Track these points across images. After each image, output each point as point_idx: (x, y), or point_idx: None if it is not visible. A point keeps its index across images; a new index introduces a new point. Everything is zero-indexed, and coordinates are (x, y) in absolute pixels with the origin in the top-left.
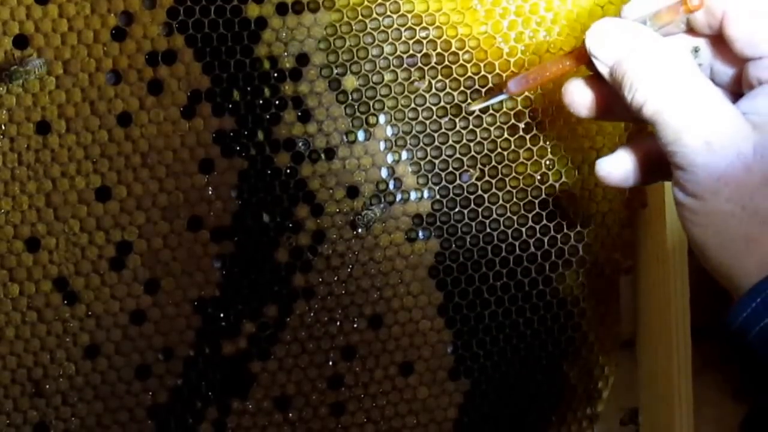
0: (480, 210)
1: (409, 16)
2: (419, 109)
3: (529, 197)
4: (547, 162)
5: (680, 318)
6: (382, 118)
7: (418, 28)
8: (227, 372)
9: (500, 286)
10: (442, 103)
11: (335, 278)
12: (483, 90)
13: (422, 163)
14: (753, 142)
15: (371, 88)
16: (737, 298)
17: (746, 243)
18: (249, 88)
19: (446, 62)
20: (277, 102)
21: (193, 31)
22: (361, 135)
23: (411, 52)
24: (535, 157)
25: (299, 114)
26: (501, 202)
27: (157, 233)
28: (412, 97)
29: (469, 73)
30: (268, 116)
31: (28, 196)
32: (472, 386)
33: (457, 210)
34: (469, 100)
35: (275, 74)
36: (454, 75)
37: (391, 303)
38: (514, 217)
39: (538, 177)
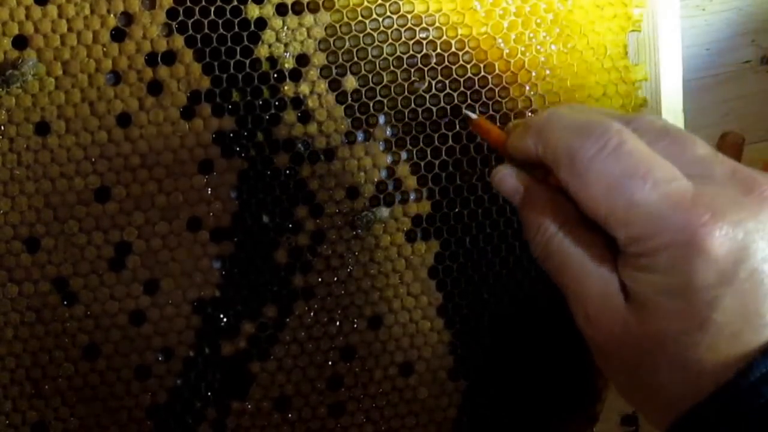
0: (480, 211)
1: (409, 16)
2: (419, 109)
3: None
4: None
5: None
6: (381, 119)
7: (417, 29)
8: (227, 372)
9: (500, 287)
10: (442, 104)
11: (335, 279)
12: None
13: (422, 163)
14: (623, 317)
15: (371, 88)
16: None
17: (642, 404)
18: (249, 89)
19: (446, 63)
20: (276, 103)
21: (193, 31)
22: (360, 135)
23: (411, 52)
24: None
25: (299, 115)
26: (501, 202)
27: (156, 234)
28: (412, 97)
29: (469, 74)
30: (267, 117)
31: (27, 196)
32: (472, 387)
33: (457, 210)
34: (469, 102)
35: (275, 75)
36: (454, 76)
37: (391, 303)
38: (514, 218)
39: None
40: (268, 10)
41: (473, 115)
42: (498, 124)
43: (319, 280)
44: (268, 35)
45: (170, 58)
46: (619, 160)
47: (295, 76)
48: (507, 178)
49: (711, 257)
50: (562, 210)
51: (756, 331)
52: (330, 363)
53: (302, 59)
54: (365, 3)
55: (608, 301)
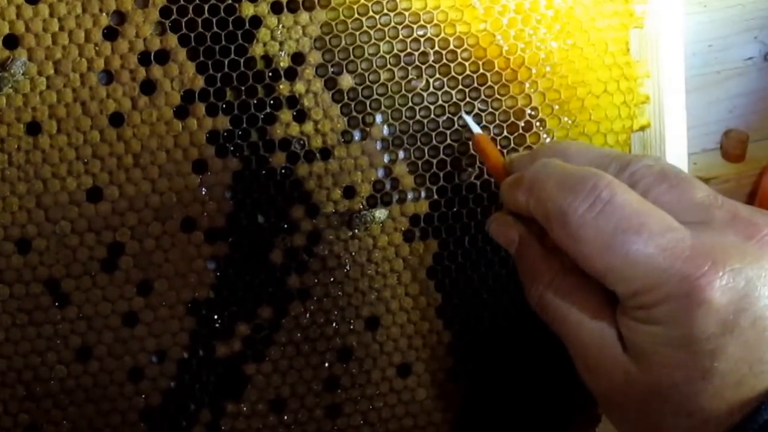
0: (479, 210)
1: (407, 14)
2: (416, 108)
3: None
4: None
5: None
6: (378, 118)
7: (415, 26)
8: (221, 374)
9: (500, 287)
10: (439, 102)
11: (331, 279)
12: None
13: (420, 162)
14: (623, 368)
15: (368, 87)
16: None
17: None
18: (243, 88)
19: (444, 60)
20: (272, 102)
21: (187, 30)
22: (357, 135)
23: (408, 50)
24: None
25: (294, 114)
26: (500, 202)
27: (149, 234)
28: (410, 96)
29: (468, 72)
30: (262, 116)
31: (18, 197)
32: (472, 388)
33: (455, 210)
34: (468, 100)
35: (270, 74)
36: (452, 73)
37: (389, 304)
38: None
39: None
40: (263, 8)
41: (476, 129)
42: (497, 121)
43: (316, 280)
44: (263, 33)
45: (163, 57)
46: (611, 215)
47: (291, 74)
48: (501, 229)
49: (712, 307)
50: (556, 262)
51: (760, 377)
52: (326, 364)
53: (298, 58)
54: (362, 0)
55: (607, 352)
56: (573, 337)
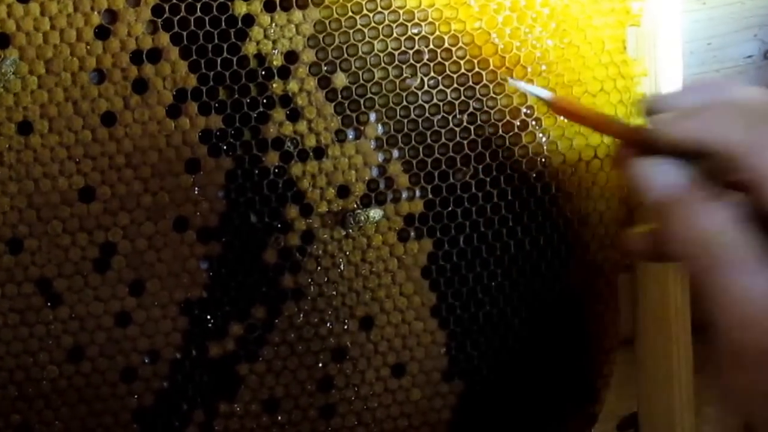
0: (474, 209)
1: (401, 12)
2: (411, 107)
3: (525, 196)
4: (543, 160)
5: (680, 316)
6: (372, 117)
7: (409, 25)
8: (214, 374)
9: (495, 287)
10: (434, 101)
11: (325, 279)
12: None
13: (414, 161)
14: None
15: (362, 85)
16: None
17: None
18: (236, 87)
19: (439, 59)
20: (264, 101)
21: (179, 28)
22: (351, 133)
23: (402, 49)
24: (531, 155)
25: (288, 113)
26: (495, 200)
27: (142, 234)
28: (404, 94)
29: (463, 70)
30: (255, 115)
31: (9, 197)
32: (467, 388)
33: (450, 209)
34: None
35: (263, 72)
36: (447, 72)
37: (383, 304)
38: (509, 216)
39: (534, 175)
40: (256, 6)
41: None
42: (492, 120)
43: (309, 280)
44: (255, 32)
45: (155, 55)
46: None
47: (284, 73)
48: (662, 173)
49: None
50: (727, 204)
51: None
52: (320, 364)
53: (291, 56)
54: None
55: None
56: (737, 285)
